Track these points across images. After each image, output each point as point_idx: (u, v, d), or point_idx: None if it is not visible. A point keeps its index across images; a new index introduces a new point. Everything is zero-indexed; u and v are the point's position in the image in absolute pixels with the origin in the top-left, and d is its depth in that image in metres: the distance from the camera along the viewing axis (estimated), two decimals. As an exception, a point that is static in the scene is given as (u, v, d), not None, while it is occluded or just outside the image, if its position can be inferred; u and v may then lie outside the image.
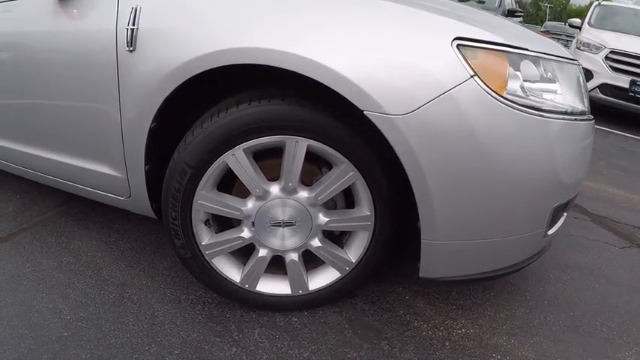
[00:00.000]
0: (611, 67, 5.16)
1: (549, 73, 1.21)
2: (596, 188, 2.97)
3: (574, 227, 2.32)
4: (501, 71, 1.06)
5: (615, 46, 5.22)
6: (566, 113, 1.18)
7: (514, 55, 1.09)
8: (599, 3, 7.29)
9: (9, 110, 1.72)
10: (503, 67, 1.06)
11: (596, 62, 5.24)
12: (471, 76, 1.02)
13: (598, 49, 5.30)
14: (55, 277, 1.68)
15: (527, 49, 1.11)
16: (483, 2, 7.06)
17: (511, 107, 1.05)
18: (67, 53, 1.39)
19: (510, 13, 6.62)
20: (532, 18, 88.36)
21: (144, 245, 1.88)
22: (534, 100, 1.11)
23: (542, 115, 1.09)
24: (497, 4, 6.53)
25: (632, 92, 5.02)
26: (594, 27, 6.24)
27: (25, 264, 1.76)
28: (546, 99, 1.17)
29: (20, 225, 2.11)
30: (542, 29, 13.25)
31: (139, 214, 1.61)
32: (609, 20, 6.60)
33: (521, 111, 1.06)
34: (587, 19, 6.61)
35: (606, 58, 5.20)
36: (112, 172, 1.47)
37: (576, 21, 6.93)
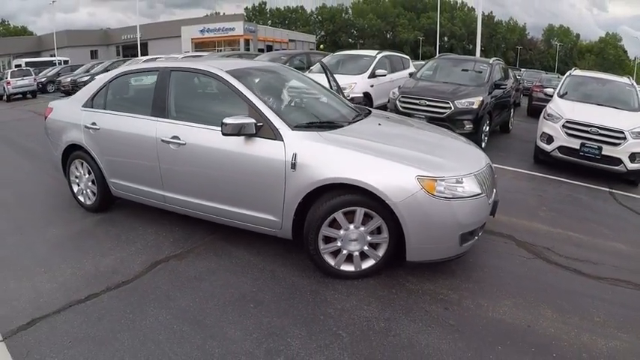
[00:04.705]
0: (567, 133, 6.85)
1: (461, 179, 3.10)
2: (528, 225, 4.75)
3: (501, 247, 4.12)
4: (432, 185, 2.97)
5: (570, 117, 6.93)
6: (463, 197, 3.07)
7: (439, 179, 3.00)
8: (570, 74, 9.05)
9: (212, 187, 3.63)
10: (434, 183, 2.97)
11: (555, 129, 6.96)
12: (421, 189, 2.95)
13: (558, 119, 7.04)
14: (232, 270, 3.56)
15: (443, 178, 3.01)
16: (480, 72, 8.98)
17: (436, 198, 2.96)
18: (256, 164, 3.33)
19: (497, 87, 8.53)
20: (543, 55, 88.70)
21: (276, 253, 3.77)
22: (448, 194, 3.00)
23: (448, 200, 2.99)
24: (486, 79, 8.44)
25: (582, 152, 6.72)
26: (561, 97, 8.00)
27: (210, 264, 3.65)
28: (457, 190, 3.06)
29: (191, 245, 4.02)
30: (537, 83, 15.12)
31: (281, 237, 3.50)
32: (577, 90, 8.30)
33: (439, 199, 2.97)
34: (557, 90, 8.36)
35: (563, 126, 6.90)
36: (273, 218, 3.40)
37: (550, 91, 8.74)
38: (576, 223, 5.04)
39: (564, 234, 4.62)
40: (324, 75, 5.31)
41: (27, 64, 28.59)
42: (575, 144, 6.79)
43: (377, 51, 11.27)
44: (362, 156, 3.12)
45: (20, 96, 20.59)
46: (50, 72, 25.83)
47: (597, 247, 4.36)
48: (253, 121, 3.29)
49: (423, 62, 18.44)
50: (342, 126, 3.65)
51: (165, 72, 4.05)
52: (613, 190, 6.47)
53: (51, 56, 39.50)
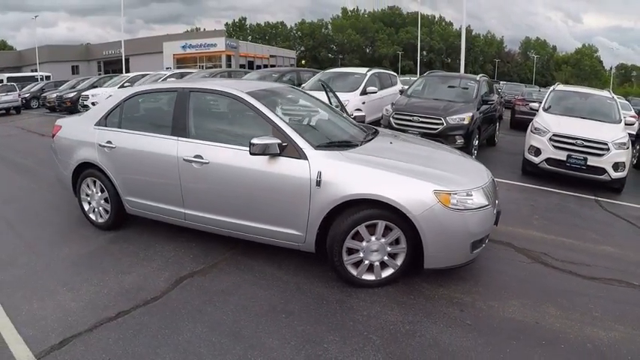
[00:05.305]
0: (554, 145, 7.27)
1: (470, 192, 3.41)
2: (524, 233, 5.10)
3: (502, 253, 4.44)
4: (447, 198, 3.28)
5: (556, 130, 7.38)
6: (472, 209, 3.38)
7: (453, 193, 3.31)
8: (554, 89, 9.53)
9: (236, 205, 3.82)
10: (449, 197, 3.28)
11: (543, 142, 7.38)
12: (437, 202, 3.25)
13: (545, 132, 7.47)
14: (257, 283, 3.72)
15: (456, 192, 3.32)
16: (467, 89, 9.40)
17: (450, 210, 3.27)
18: (281, 182, 3.57)
19: (485, 102, 8.97)
20: (521, 68, 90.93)
21: (297, 266, 3.98)
22: (460, 205, 3.31)
23: (460, 211, 3.31)
24: (474, 96, 8.87)
25: (569, 163, 7.16)
26: (546, 111, 8.45)
27: (235, 278, 3.77)
28: (468, 202, 3.37)
29: (212, 261, 4.10)
30: (520, 96, 15.73)
31: (304, 251, 3.72)
32: (560, 104, 8.76)
33: (453, 211, 3.28)
34: (542, 104, 8.79)
35: (550, 139, 7.33)
36: (297, 232, 3.64)
37: (535, 105, 9.18)
38: (567, 229, 5.41)
39: (558, 240, 4.97)
40: (317, 93, 5.57)
41: (8, 79, 28.30)
42: (561, 156, 7.22)
43: (367, 69, 11.64)
44: (383, 173, 3.41)
45: (4, 112, 20.38)
46: (34, 87, 25.63)
47: (589, 251, 4.72)
48: (278, 141, 3.53)
49: (408, 78, 19.04)
50: (357, 145, 3.94)
51: (184, 92, 4.20)
52: (598, 198, 6.91)
53: (32, 71, 39.09)
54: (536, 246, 4.71)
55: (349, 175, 3.42)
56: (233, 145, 3.83)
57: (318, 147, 3.62)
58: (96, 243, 4.48)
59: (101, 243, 4.49)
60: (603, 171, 6.96)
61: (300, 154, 3.56)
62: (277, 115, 3.80)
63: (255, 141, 3.48)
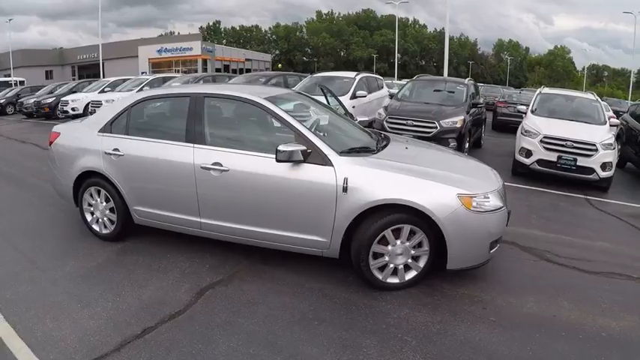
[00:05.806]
0: (544, 147, 7.59)
1: (488, 195, 3.59)
2: (526, 232, 5.32)
3: (509, 252, 4.64)
4: (469, 201, 3.45)
5: (546, 132, 7.69)
6: (490, 211, 3.56)
7: (474, 196, 3.48)
8: (540, 92, 9.87)
9: (258, 213, 3.85)
10: (471, 200, 3.46)
11: (534, 144, 7.69)
12: (461, 205, 3.43)
13: (535, 135, 7.76)
14: (282, 291, 3.67)
15: (476, 195, 3.50)
16: (458, 92, 9.65)
17: (472, 212, 3.45)
18: (306, 189, 3.64)
19: (474, 105, 9.25)
20: (494, 69, 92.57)
21: (317, 272, 4.03)
22: (480, 208, 3.49)
23: (480, 213, 3.49)
24: (464, 100, 9.14)
25: (559, 164, 7.49)
26: (535, 114, 8.75)
27: (258, 287, 3.74)
28: (485, 204, 3.55)
29: (230, 270, 4.03)
30: (501, 99, 16.16)
31: (328, 257, 3.79)
32: (547, 106, 9.09)
33: (474, 212, 3.46)
34: (530, 107, 9.08)
35: (541, 141, 7.64)
36: (321, 239, 3.72)
37: (523, 108, 9.50)
38: (564, 227, 5.69)
39: (558, 237, 5.24)
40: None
41: (-18, 84, 27.46)
42: (552, 157, 7.55)
43: (355, 72, 11.81)
44: (408, 178, 3.56)
45: (-23, 118, 19.81)
46: (9, 93, 24.89)
47: (587, 247, 4.99)
48: (304, 148, 3.58)
49: (390, 81, 19.26)
50: (375, 151, 4.04)
51: (198, 98, 4.11)
52: (588, 197, 7.26)
53: (5, 76, 37.92)
54: (539, 244, 4.94)
55: (376, 181, 3.55)
56: (254, 151, 3.82)
57: (341, 153, 3.71)
58: (103, 255, 4.28)
59: (109, 255, 4.30)
60: (592, 171, 7.30)
61: (325, 161, 3.63)
62: (299, 121, 3.86)
63: (282, 148, 3.51)
